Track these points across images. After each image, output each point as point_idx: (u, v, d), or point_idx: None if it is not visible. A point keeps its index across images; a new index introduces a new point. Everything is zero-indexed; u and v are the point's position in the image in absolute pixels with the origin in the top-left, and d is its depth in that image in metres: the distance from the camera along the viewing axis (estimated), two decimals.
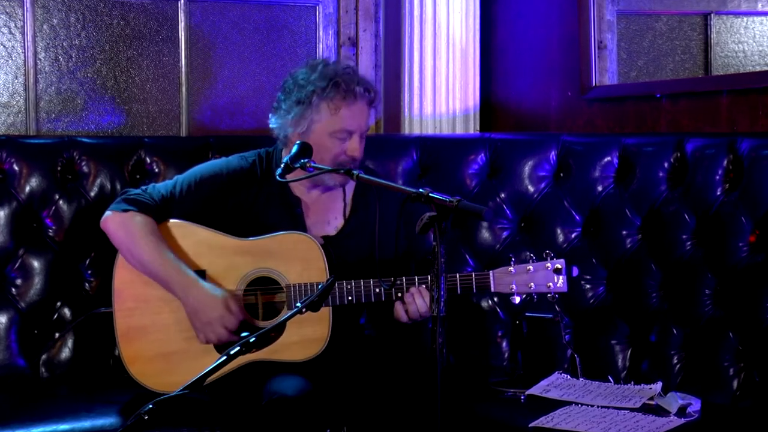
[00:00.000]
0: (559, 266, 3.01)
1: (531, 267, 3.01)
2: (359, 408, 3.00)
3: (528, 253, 3.02)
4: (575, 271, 3.02)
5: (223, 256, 3.13)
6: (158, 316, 3.12)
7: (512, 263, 3.03)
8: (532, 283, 3.00)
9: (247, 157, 3.28)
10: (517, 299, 3.02)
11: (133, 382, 3.09)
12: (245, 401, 3.03)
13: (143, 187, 3.23)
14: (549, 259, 3.02)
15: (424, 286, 3.03)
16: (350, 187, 3.28)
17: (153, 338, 3.10)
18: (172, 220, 3.17)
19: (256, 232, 3.14)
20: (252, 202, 3.22)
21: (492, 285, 3.02)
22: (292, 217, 3.22)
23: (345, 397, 3.03)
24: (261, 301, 3.13)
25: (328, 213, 3.27)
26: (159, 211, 3.15)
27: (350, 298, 3.04)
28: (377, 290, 3.04)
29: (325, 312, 3.04)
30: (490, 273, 3.03)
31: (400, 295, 3.03)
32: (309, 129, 3.14)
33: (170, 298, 3.10)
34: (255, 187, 3.22)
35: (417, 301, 3.01)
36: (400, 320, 3.07)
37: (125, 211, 3.13)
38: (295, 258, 3.09)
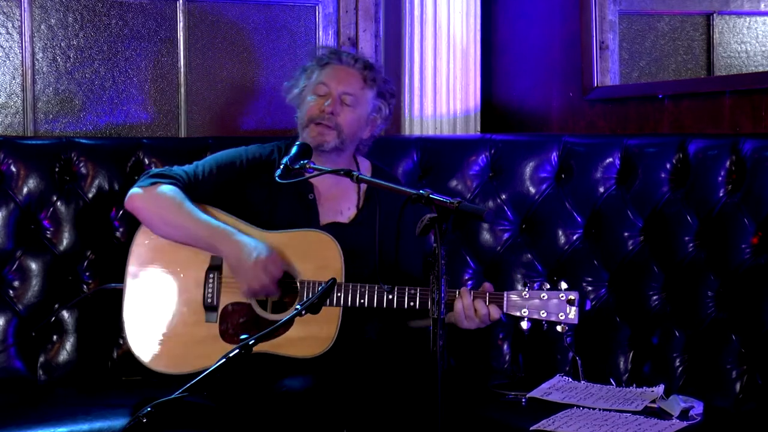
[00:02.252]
0: (573, 298, 2.97)
1: (545, 294, 2.98)
2: (359, 410, 2.98)
3: (543, 281, 2.99)
4: (588, 305, 3.00)
5: None
6: (168, 298, 3.12)
7: (527, 288, 3.00)
8: (544, 311, 2.97)
9: (265, 147, 3.35)
10: (526, 325, 2.98)
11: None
12: (245, 397, 3.01)
13: (166, 167, 3.26)
14: (563, 289, 2.98)
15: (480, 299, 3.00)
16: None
17: (160, 318, 3.11)
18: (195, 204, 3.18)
19: (270, 219, 3.17)
20: (268, 190, 3.24)
21: (505, 306, 3.00)
22: (303, 204, 3.24)
23: (345, 399, 3.01)
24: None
25: (342, 202, 3.29)
26: (185, 187, 3.18)
27: (362, 301, 3.03)
28: (390, 296, 3.02)
29: (335, 312, 3.04)
30: (505, 294, 3.00)
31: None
32: (303, 93, 3.31)
33: (182, 280, 3.11)
34: (271, 176, 3.21)
35: (479, 307, 2.98)
36: (460, 325, 3.02)
37: (153, 184, 3.15)
38: (314, 255, 3.10)
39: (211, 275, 3.12)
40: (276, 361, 3.05)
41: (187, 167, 3.25)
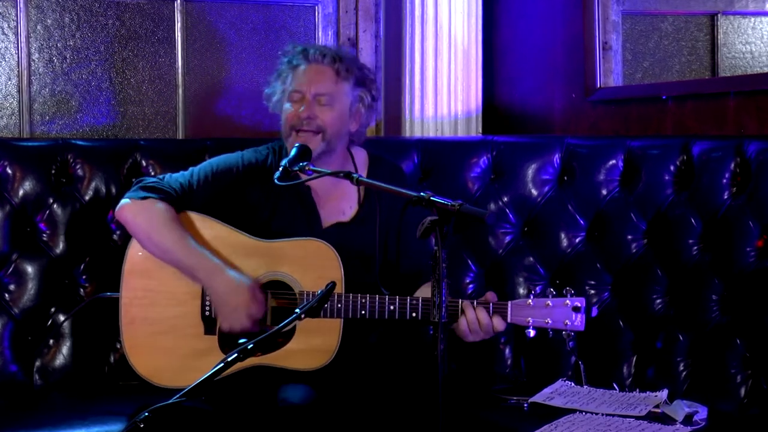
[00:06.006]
0: (579, 305, 2.93)
1: (550, 302, 2.94)
2: (359, 415, 2.97)
3: (545, 285, 2.96)
4: (594, 312, 2.96)
5: (238, 256, 3.10)
6: (165, 309, 3.09)
7: (531, 296, 2.95)
8: (549, 319, 2.94)
9: (260, 151, 3.29)
10: (532, 333, 2.94)
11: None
12: (246, 408, 3.00)
13: (159, 176, 3.21)
14: (569, 296, 2.94)
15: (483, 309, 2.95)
16: (362, 170, 3.28)
17: (157, 330, 3.08)
18: (190, 213, 3.14)
19: (270, 223, 3.14)
20: (266, 195, 3.20)
21: (509, 315, 2.96)
22: (304, 206, 3.21)
23: (344, 404, 3.00)
24: (270, 305, 3.10)
25: (342, 202, 3.25)
26: (178, 201, 3.13)
27: (363, 312, 2.99)
28: (391, 307, 2.98)
29: (336, 324, 3.01)
30: (509, 303, 2.96)
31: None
32: (281, 100, 3.24)
33: (179, 291, 3.08)
34: (268, 180, 3.19)
35: (482, 318, 2.94)
36: (465, 338, 2.98)
37: (144, 198, 3.11)
38: (312, 265, 3.06)
39: None
40: (277, 370, 3.03)
41: (181, 176, 3.20)
